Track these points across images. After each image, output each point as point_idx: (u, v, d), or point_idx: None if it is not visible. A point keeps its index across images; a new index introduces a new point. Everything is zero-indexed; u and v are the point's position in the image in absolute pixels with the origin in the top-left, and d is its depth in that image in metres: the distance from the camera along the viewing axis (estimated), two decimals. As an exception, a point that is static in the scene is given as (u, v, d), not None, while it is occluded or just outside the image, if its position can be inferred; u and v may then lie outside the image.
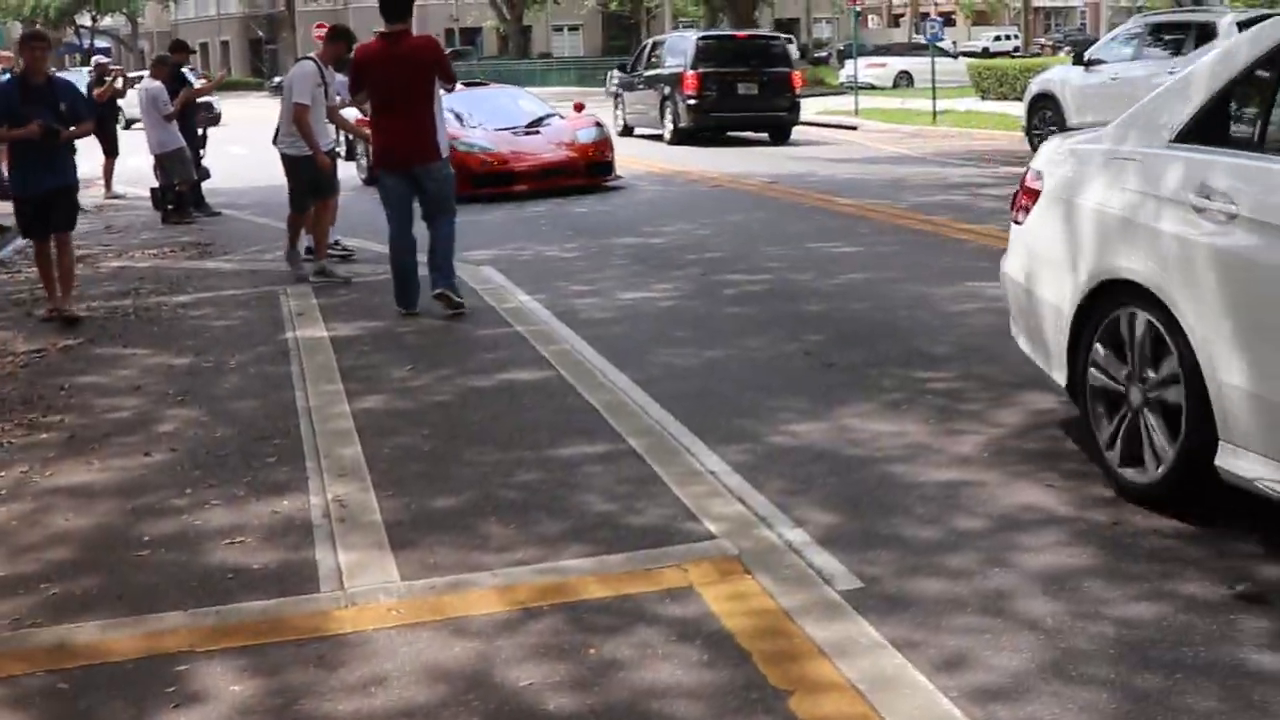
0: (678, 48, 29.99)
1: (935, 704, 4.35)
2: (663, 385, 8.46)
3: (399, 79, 10.70)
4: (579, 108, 22.15)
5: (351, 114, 15.18)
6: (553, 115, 21.57)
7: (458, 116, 19.74)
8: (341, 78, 12.63)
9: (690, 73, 27.98)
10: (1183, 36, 20.00)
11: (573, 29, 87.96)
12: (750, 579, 5.44)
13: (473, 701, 4.53)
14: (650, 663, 4.75)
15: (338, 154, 13.60)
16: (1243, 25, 19.03)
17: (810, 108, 37.85)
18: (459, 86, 22.05)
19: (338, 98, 13.07)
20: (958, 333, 9.58)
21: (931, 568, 5.50)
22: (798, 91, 29.40)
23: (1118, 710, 4.29)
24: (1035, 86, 23.31)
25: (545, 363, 9.15)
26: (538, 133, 20.55)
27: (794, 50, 76.16)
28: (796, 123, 29.40)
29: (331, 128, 13.49)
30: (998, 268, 7.73)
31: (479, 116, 20.71)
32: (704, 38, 30.61)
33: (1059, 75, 22.94)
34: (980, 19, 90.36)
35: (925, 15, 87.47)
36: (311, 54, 13.11)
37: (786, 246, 13.85)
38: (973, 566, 5.49)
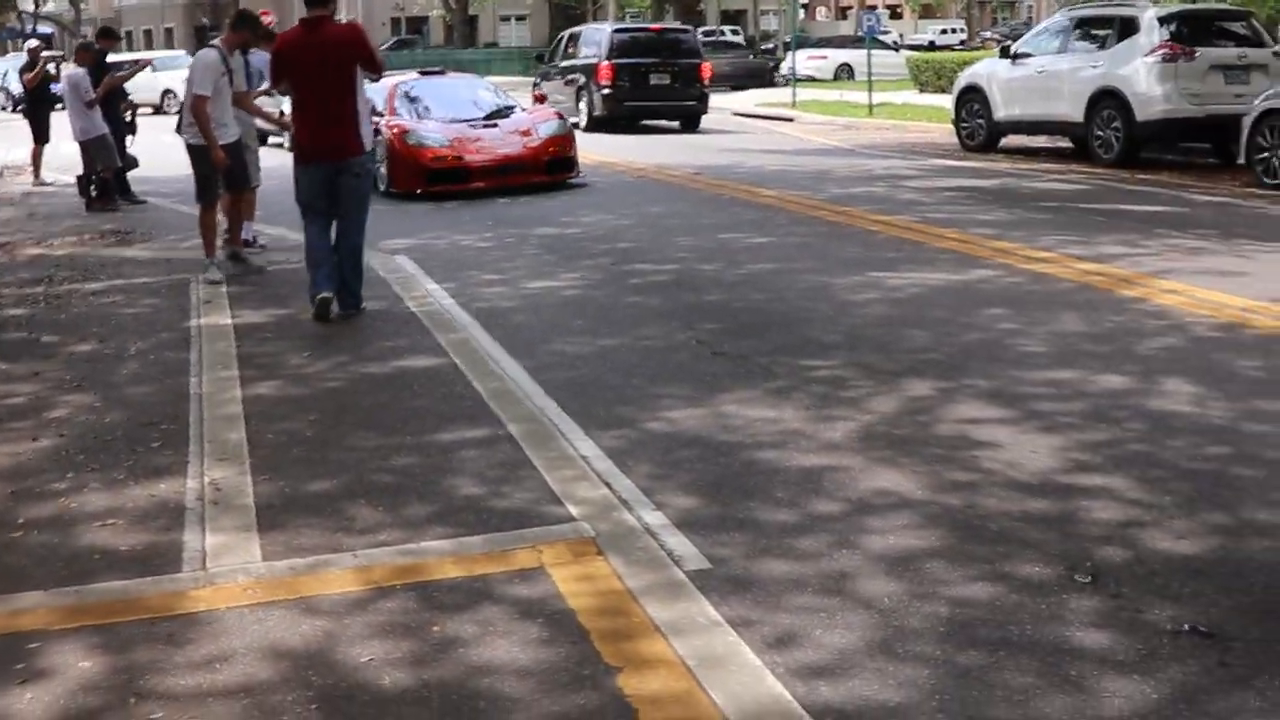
0: (593, 39, 30.93)
1: (760, 681, 4.47)
2: (551, 373, 8.56)
3: (320, 68, 10.29)
4: (540, 99, 21.72)
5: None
6: (513, 107, 20.43)
7: (411, 107, 19.41)
8: (264, 57, 12.31)
9: (605, 63, 28.75)
10: (1107, 30, 20.21)
11: (520, 19, 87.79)
12: (602, 560, 5.56)
13: (311, 678, 4.63)
14: (489, 640, 4.86)
15: (246, 145, 13.31)
16: (1163, 20, 19.30)
17: (749, 99, 37.99)
18: (411, 75, 21.35)
19: (263, 84, 12.98)
20: (851, 322, 9.72)
21: (780, 550, 5.62)
22: (707, 82, 30.53)
23: (936, 686, 4.42)
24: (963, 80, 23.51)
25: (441, 350, 9.23)
26: (495, 126, 19.21)
27: (740, 43, 76.37)
28: (705, 112, 30.46)
29: (248, 118, 13.26)
30: (905, 258, 7.87)
31: (434, 107, 19.69)
32: (618, 30, 31.80)
33: (986, 69, 23.15)
34: (927, 13, 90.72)
35: (872, 8, 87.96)
36: (215, 41, 12.89)
37: (699, 238, 13.95)
38: (821, 549, 5.62)
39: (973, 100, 22.75)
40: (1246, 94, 18.40)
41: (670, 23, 38.68)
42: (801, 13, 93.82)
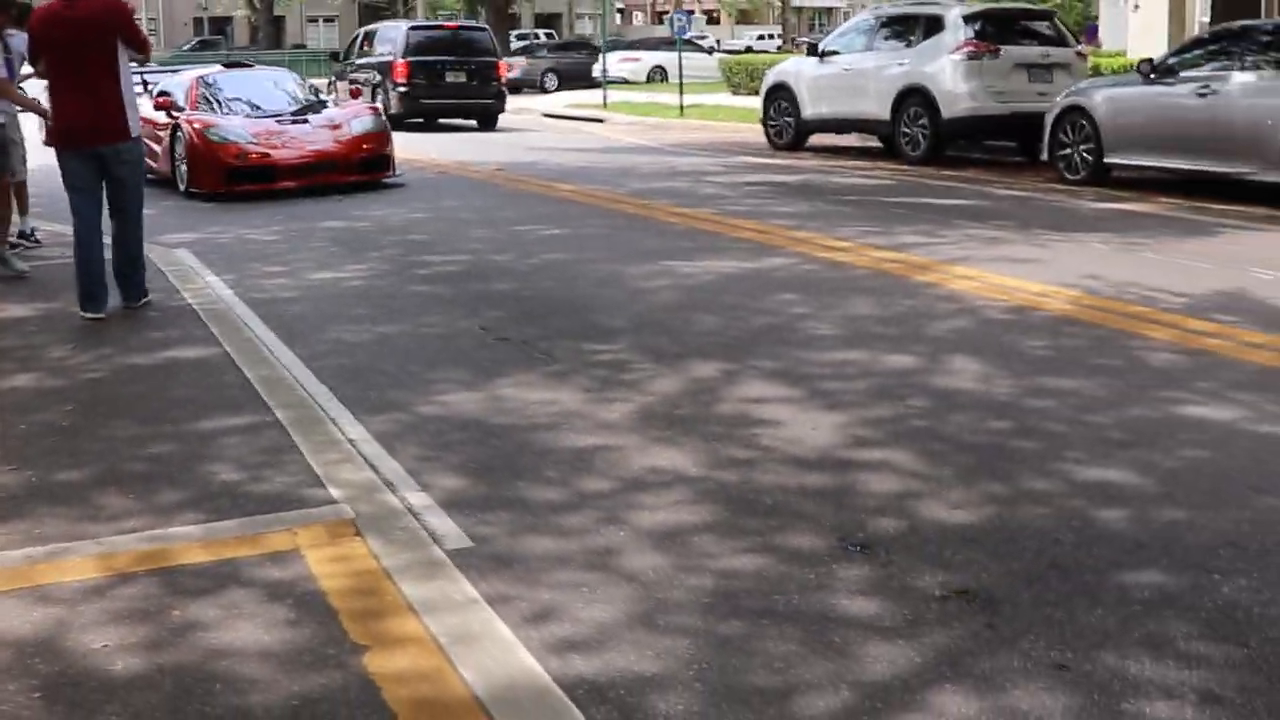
0: (389, 37, 31.26)
1: (513, 656, 4.35)
2: (326, 360, 8.37)
3: (78, 46, 9.64)
4: (355, 94, 20.95)
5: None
6: (325, 102, 19.79)
7: (213, 101, 18.59)
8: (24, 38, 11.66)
9: (400, 61, 28.88)
10: (914, 28, 20.47)
11: (328, 20, 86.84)
12: (359, 541, 5.39)
13: (37, 665, 4.41)
14: (231, 623, 4.68)
15: (10, 136, 12.62)
16: (968, 18, 19.59)
17: (560, 100, 37.95)
18: (215, 68, 20.72)
19: (24, 69, 12.43)
20: (639, 308, 9.66)
21: (546, 527, 5.51)
22: (503, 80, 31.30)
23: (695, 656, 4.33)
24: (771, 78, 23.64)
25: (213, 341, 8.98)
26: (305, 122, 18.27)
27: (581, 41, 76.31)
28: (502, 110, 30.96)
29: (10, 106, 12.44)
30: (700, 248, 7.80)
31: (239, 102, 18.72)
32: (414, 28, 32.13)
33: (794, 67, 23.31)
34: (744, 18, 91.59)
35: (690, 12, 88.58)
36: None
37: (494, 230, 13.84)
38: (587, 525, 5.52)
39: (780, 98, 22.88)
40: (1049, 92, 18.76)
41: (466, 21, 39.04)
42: (618, 17, 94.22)
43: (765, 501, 5.75)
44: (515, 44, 67.68)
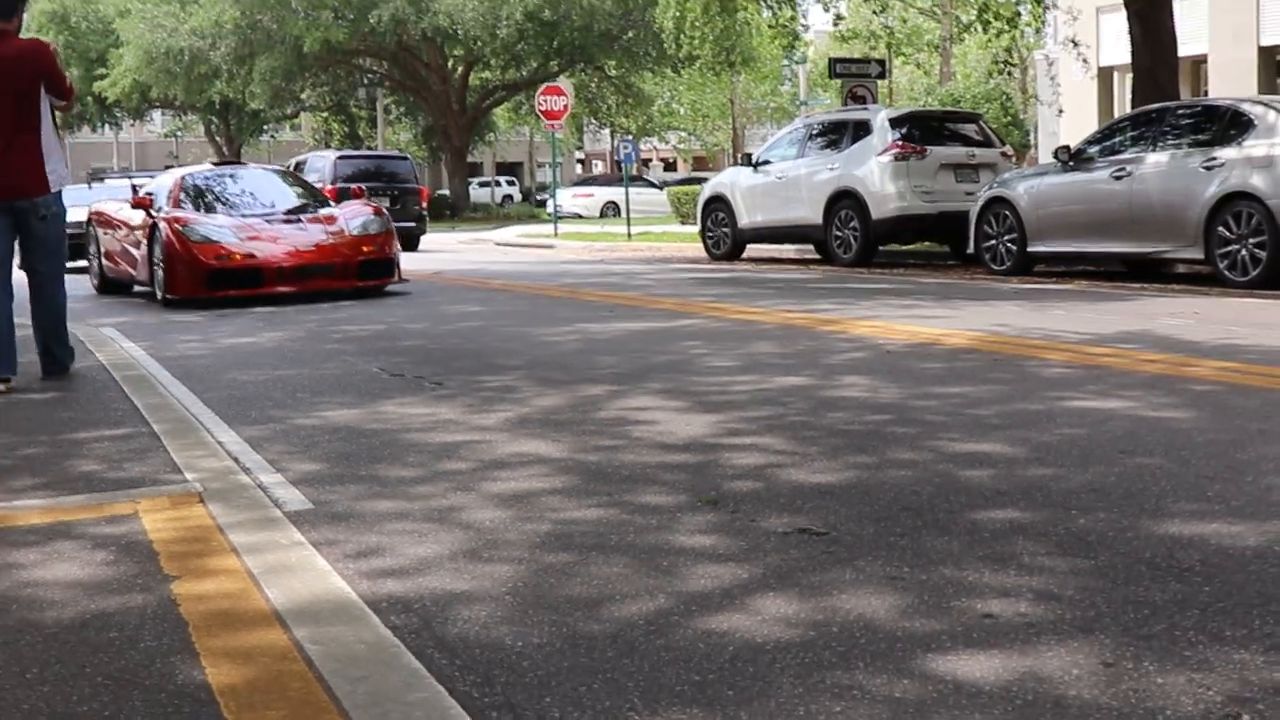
0: (317, 166, 31.69)
1: (323, 580, 4.07)
2: (218, 393, 8.12)
3: None
4: (357, 194, 18.39)
5: None
6: (322, 201, 17.55)
7: (198, 200, 16.63)
8: None
9: (329, 187, 28.86)
10: (843, 134, 20.47)
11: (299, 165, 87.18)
12: (201, 507, 5.11)
13: None
14: (49, 564, 4.40)
15: None
16: (894, 121, 19.62)
17: (512, 232, 38.00)
18: (203, 166, 19.51)
19: None
20: (540, 354, 9.45)
21: (394, 494, 5.26)
22: (424, 206, 32.56)
23: (511, 577, 4.07)
24: (708, 190, 23.61)
25: (112, 384, 8.68)
26: (298, 221, 16.18)
27: (517, 193, 76.89)
28: (424, 232, 31.90)
29: None
30: (616, 316, 7.60)
31: (227, 202, 16.81)
32: (341, 157, 33.05)
33: (729, 177, 23.27)
34: (700, 164, 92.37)
35: (647, 161, 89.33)
36: None
37: (412, 308, 13.66)
38: (435, 492, 5.27)
39: (718, 209, 22.81)
40: (977, 192, 18.70)
41: (390, 151, 40.13)
42: (578, 167, 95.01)
43: (622, 474, 5.49)
44: (476, 190, 68.17)
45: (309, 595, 3.90)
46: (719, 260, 22.35)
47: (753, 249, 22.67)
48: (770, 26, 25.97)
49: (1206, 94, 27.27)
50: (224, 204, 16.79)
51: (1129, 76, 19.90)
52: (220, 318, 13.54)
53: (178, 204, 16.37)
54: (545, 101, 32.98)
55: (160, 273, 15.24)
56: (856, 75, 27.85)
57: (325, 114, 65.84)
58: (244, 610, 3.79)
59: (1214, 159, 13.94)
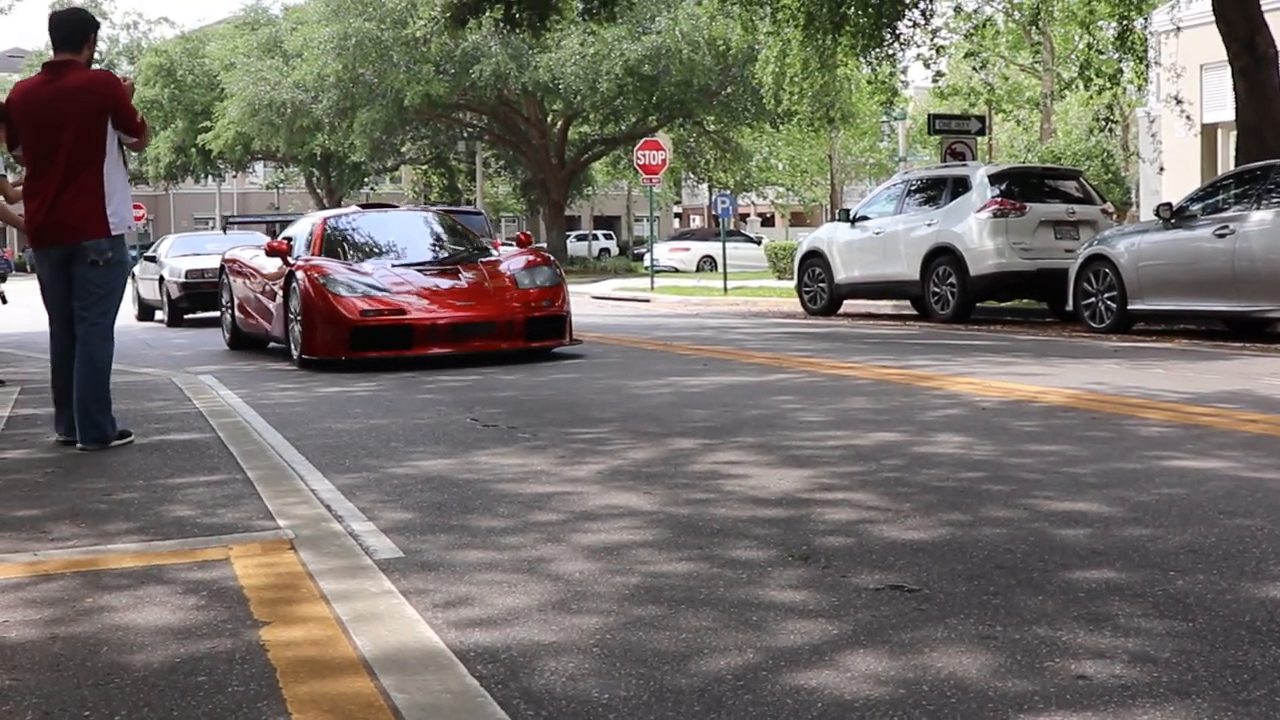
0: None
1: (411, 629, 4.08)
2: (312, 440, 8.17)
3: (56, 124, 7.95)
4: (524, 241, 16.14)
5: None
6: (483, 249, 15.49)
7: (343, 247, 14.91)
8: None
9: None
10: (941, 190, 20.38)
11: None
12: (292, 553, 5.15)
13: (-75, 639, 4.15)
14: (140, 607, 4.44)
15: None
16: (993, 178, 19.51)
17: (609, 286, 38.12)
18: (350, 208, 16.98)
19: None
20: (633, 406, 9.44)
21: (484, 544, 5.26)
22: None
23: (599, 629, 4.06)
24: (805, 244, 23.57)
25: (208, 429, 8.79)
26: (455, 271, 14.22)
27: (614, 247, 77.23)
28: None
29: None
30: (710, 370, 7.60)
31: (377, 249, 14.96)
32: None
33: (827, 233, 23.22)
34: (797, 219, 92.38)
35: (744, 216, 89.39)
36: None
37: (506, 360, 13.64)
38: (526, 543, 5.26)
39: (815, 264, 22.77)
40: (1076, 249, 18.52)
41: (464, 205, 40.62)
42: (676, 222, 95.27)
43: (713, 526, 5.46)
44: (573, 243, 68.54)
45: (397, 643, 3.90)
46: (815, 315, 22.27)
47: (849, 304, 22.58)
48: (869, 83, 25.94)
49: (1312, 152, 26.90)
50: (372, 251, 14.90)
51: (1233, 133, 19.68)
52: (317, 370, 13.65)
53: (319, 250, 14.67)
54: (643, 156, 33.07)
55: (297, 329, 13.58)
56: (956, 131, 27.75)
57: (425, 167, 66.53)
58: (331, 657, 3.80)
59: (1319, 217, 13.74)
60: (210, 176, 72.80)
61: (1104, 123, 24.70)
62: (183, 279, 23.28)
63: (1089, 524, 5.32)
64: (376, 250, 14.93)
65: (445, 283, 13.97)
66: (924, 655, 3.73)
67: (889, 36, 23.76)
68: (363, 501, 6.16)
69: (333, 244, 14.95)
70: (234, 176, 77.60)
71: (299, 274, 13.54)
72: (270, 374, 12.99)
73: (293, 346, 13.74)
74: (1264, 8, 18.47)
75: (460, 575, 4.75)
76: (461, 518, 5.76)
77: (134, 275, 26.06)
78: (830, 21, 22.92)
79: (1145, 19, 23.85)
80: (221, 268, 17.10)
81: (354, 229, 15.48)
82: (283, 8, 62.84)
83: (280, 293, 14.21)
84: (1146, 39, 23.55)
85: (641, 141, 34.95)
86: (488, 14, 23.13)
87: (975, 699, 3.37)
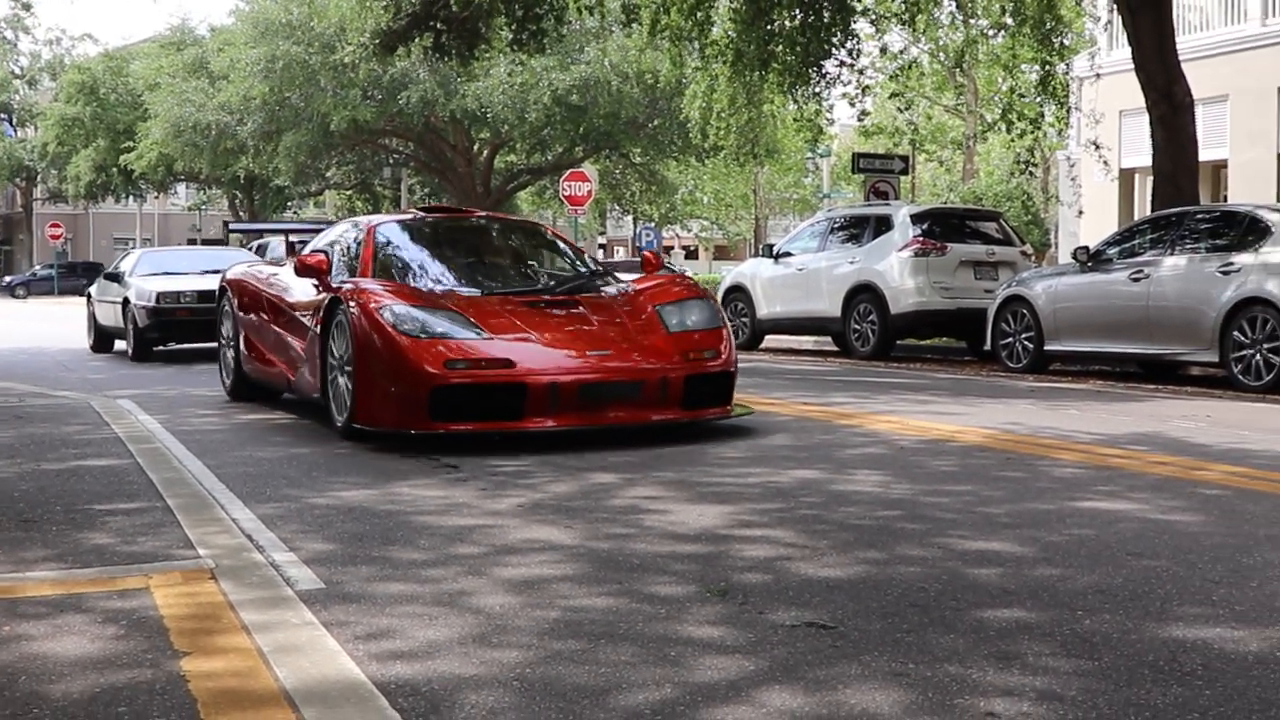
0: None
1: (332, 661, 4.12)
2: (233, 468, 8.16)
3: None
4: (653, 263, 11.44)
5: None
6: (602, 273, 11.25)
7: (400, 266, 10.65)
8: None
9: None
10: (864, 228, 20.58)
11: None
12: (213, 583, 5.17)
13: None
14: (58, 636, 4.45)
15: None
16: (915, 217, 19.73)
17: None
18: (410, 213, 12.68)
19: None
20: (554, 440, 9.44)
21: (405, 576, 5.29)
22: None
23: (521, 662, 4.12)
24: (729, 280, 23.74)
25: (127, 455, 8.76)
26: (575, 304, 10.10)
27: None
28: None
29: None
30: None
31: (450, 268, 10.82)
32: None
33: (750, 269, 23.39)
34: (721, 253, 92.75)
35: (669, 248, 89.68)
36: None
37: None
38: (447, 576, 5.31)
39: (738, 299, 22.90)
40: (995, 289, 18.74)
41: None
42: (600, 252, 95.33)
43: (633, 561, 5.53)
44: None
45: (318, 675, 3.94)
46: (737, 350, 22.31)
47: (771, 340, 22.71)
48: (795, 120, 26.11)
49: (1226, 199, 27.39)
50: (445, 273, 10.63)
51: (1149, 179, 20.00)
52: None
53: (370, 270, 10.36)
54: (569, 187, 33.17)
55: (343, 382, 9.40)
56: (879, 170, 28.06)
57: (349, 192, 66.31)
58: (252, 689, 3.83)
59: (1231, 264, 14.00)
60: (131, 197, 72.24)
61: (1025, 165, 25.05)
62: (153, 303, 19.01)
63: (1001, 563, 5.42)
64: (452, 272, 10.64)
65: (563, 319, 9.66)
66: (838, 692, 3.80)
67: (815, 75, 23.94)
68: (284, 531, 6.17)
69: (388, 263, 10.58)
70: (156, 197, 76.99)
71: (349, 304, 9.30)
72: (191, 400, 12.92)
73: (334, 408, 9.58)
74: (1181, 58, 18.78)
75: (381, 607, 4.78)
76: (383, 549, 5.78)
77: (90, 297, 22.30)
78: (758, 58, 23.08)
79: (1067, 65, 24.18)
80: (221, 290, 12.77)
81: (417, 242, 11.20)
82: (209, 28, 62.42)
83: (315, 329, 10.00)
84: (1068, 84, 23.88)
85: (568, 172, 35.05)
86: (416, 41, 23.13)
87: (887, 736, 3.44)
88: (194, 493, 7.26)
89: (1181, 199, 17.79)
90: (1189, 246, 14.97)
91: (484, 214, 14.28)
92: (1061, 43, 22.77)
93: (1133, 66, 19.00)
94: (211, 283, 17.13)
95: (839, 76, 24.75)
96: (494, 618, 4.64)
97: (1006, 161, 42.20)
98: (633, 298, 10.21)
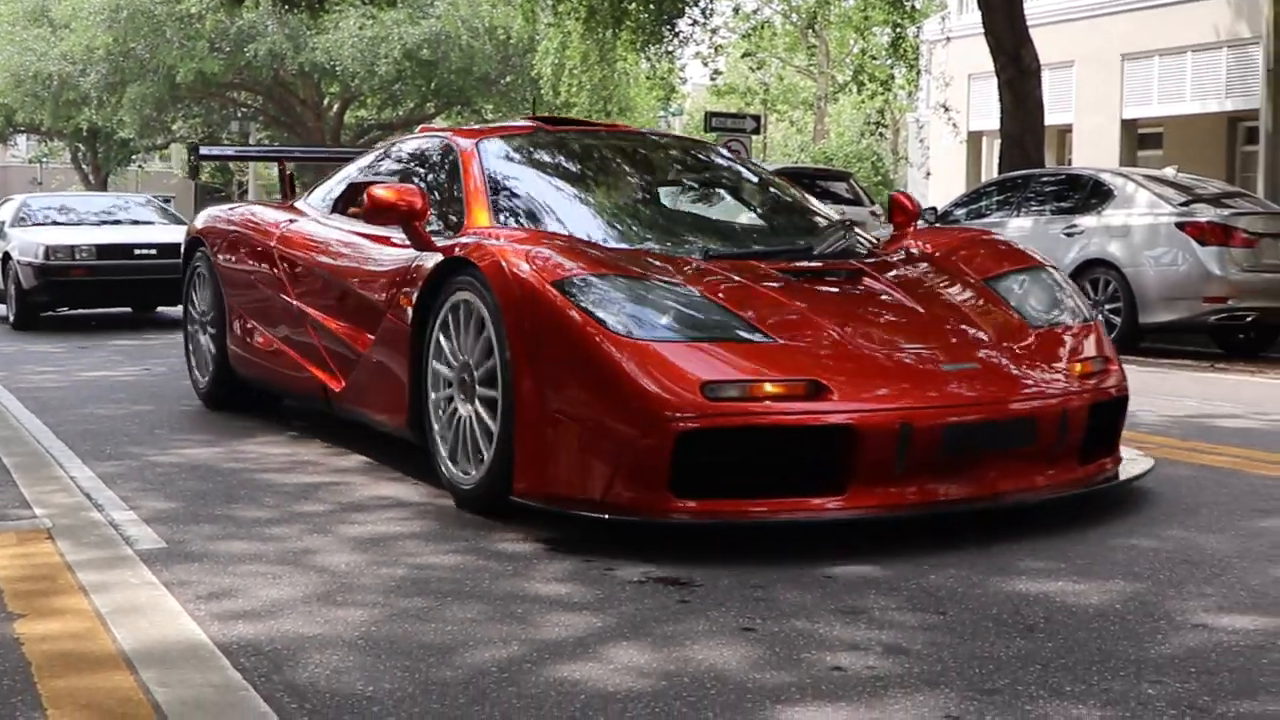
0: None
1: (173, 621, 4.03)
2: (72, 426, 7.99)
3: None
4: (908, 208, 6.99)
5: None
6: (850, 222, 6.94)
7: (529, 211, 6.48)
8: None
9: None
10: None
11: (165, 201, 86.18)
12: (49, 543, 5.04)
13: None
14: (-121, 599, 4.28)
15: None
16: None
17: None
18: (523, 120, 7.81)
19: None
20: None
21: (249, 535, 5.21)
22: None
23: (365, 620, 4.06)
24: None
25: (-39, 414, 8.52)
26: (868, 280, 5.97)
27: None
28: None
29: None
30: None
31: (624, 214, 6.65)
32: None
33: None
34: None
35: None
36: None
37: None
38: (292, 534, 5.24)
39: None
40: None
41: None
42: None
43: (480, 519, 5.48)
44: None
45: (158, 636, 3.86)
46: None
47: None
48: (648, 78, 26.15)
49: (1070, 163, 27.89)
50: (624, 223, 6.52)
51: (997, 142, 20.29)
52: (81, 349, 13.32)
53: (490, 214, 6.34)
54: (420, 143, 32.76)
55: (472, 412, 5.57)
56: (731, 129, 28.12)
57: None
58: (90, 651, 3.74)
59: (1075, 226, 14.27)
60: (-32, 149, 70.39)
61: (875, 126, 25.34)
62: (40, 260, 15.62)
63: (861, 529, 5.45)
64: (632, 222, 6.57)
65: (867, 308, 5.72)
66: (685, 648, 3.80)
67: (668, 34, 24.00)
68: (124, 490, 6.05)
69: (512, 206, 6.50)
70: (-6, 149, 75.10)
71: (490, 272, 5.35)
72: (30, 355, 12.63)
73: (446, 453, 5.78)
74: (1030, 24, 19.06)
75: (224, 567, 4.71)
76: (226, 508, 5.70)
77: None
78: (611, 16, 23.07)
79: (918, 28, 24.46)
80: (191, 246, 8.87)
81: (552, 172, 7.03)
82: (50, -24, 60.94)
83: (403, 313, 6.08)
84: (918, 47, 24.15)
85: (419, 128, 34.65)
86: (265, -7, 22.78)
87: (734, 690, 3.45)
88: (31, 451, 7.08)
89: (1027, 162, 18.08)
90: (1034, 209, 15.23)
91: (636, 129, 9.79)
92: (913, 6, 23.02)
93: (982, 31, 19.23)
94: (114, 235, 15.75)
95: (692, 35, 24.84)
96: (339, 576, 4.59)
97: (857, 123, 42.64)
98: (942, 263, 6.30)
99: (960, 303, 5.90)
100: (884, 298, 5.80)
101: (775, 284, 5.72)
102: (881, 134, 28.45)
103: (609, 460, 4.92)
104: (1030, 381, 5.44)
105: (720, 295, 5.37)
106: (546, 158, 7.15)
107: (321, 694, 3.43)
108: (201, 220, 8.95)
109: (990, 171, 27.30)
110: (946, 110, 24.52)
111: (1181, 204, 13.78)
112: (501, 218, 6.31)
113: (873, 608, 4.21)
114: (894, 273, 6.14)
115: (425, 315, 5.85)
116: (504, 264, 5.31)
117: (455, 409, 5.64)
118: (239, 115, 56.17)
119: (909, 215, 6.97)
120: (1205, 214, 13.57)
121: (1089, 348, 5.85)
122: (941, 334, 5.55)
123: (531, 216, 6.44)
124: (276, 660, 3.70)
